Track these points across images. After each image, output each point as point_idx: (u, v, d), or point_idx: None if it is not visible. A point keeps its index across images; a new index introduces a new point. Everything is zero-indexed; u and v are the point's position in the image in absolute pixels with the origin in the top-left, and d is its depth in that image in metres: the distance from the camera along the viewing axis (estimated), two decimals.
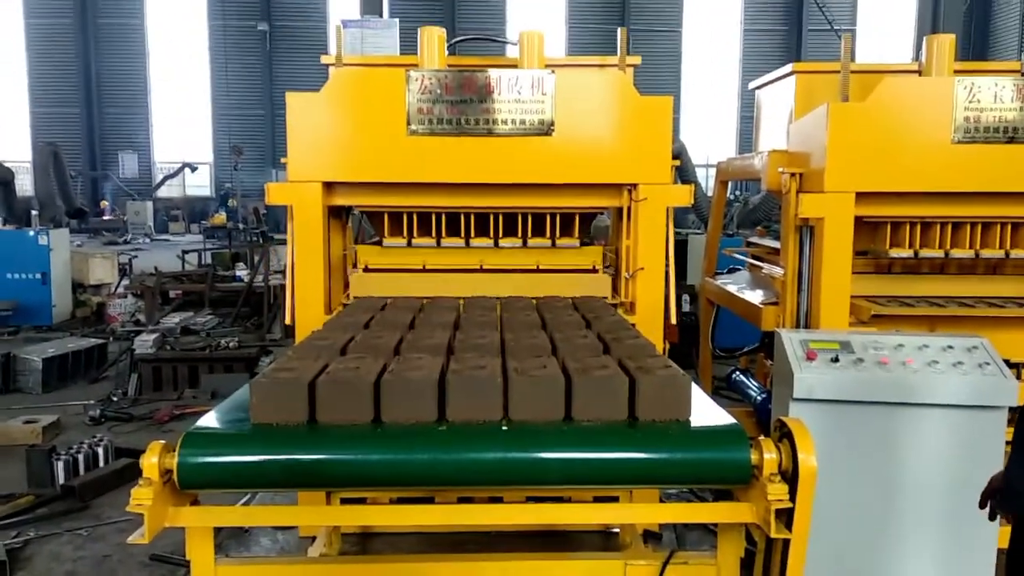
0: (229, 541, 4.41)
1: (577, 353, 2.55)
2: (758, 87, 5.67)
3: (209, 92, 32.54)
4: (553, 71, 4.05)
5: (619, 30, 4.54)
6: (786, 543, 2.13)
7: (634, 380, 2.23)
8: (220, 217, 26.67)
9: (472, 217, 4.31)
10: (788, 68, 5.02)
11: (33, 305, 10.86)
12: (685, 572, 2.43)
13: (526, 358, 2.48)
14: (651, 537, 4.19)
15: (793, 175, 4.02)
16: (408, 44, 4.48)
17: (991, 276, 4.37)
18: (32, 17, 31.50)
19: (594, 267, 4.34)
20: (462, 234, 4.33)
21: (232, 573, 2.41)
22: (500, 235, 4.34)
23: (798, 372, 3.29)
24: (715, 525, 2.46)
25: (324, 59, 4.58)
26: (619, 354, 2.55)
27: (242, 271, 12.27)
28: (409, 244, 4.34)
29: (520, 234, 4.34)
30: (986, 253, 4.11)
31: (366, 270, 4.32)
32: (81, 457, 5.38)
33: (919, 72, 4.48)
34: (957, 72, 4.29)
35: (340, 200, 4.24)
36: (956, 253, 4.11)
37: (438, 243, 4.33)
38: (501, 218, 4.33)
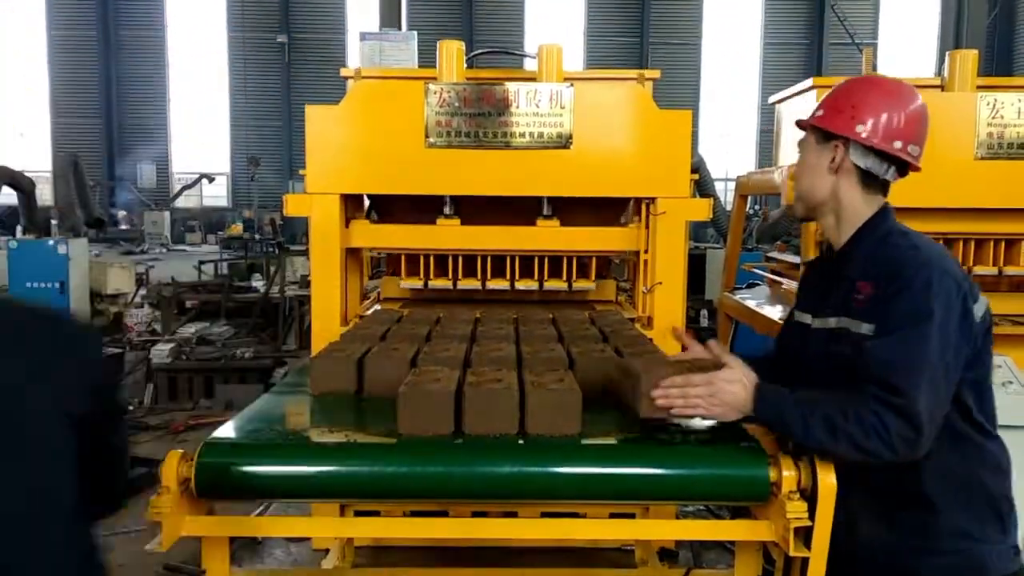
0: (242, 552, 4.41)
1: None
2: (778, 101, 5.64)
3: (227, 103, 32.82)
4: (571, 84, 4.04)
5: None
6: (805, 561, 2.09)
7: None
8: (236, 227, 26.83)
9: (488, 260, 4.31)
10: (809, 82, 4.98)
11: None
12: None
13: (543, 372, 2.47)
14: (667, 555, 4.15)
15: None
16: (426, 57, 4.48)
17: (1015, 293, 4.32)
18: (55, 29, 31.94)
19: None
20: (478, 275, 4.32)
21: None
22: (516, 277, 4.33)
23: None
24: (732, 543, 2.43)
25: (343, 72, 4.59)
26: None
27: (258, 282, 12.31)
28: (426, 286, 4.34)
29: (536, 276, 4.34)
30: (1010, 270, 4.07)
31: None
32: None
33: (942, 87, 4.44)
34: (980, 88, 4.25)
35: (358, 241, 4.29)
36: (979, 270, 4.06)
37: (454, 285, 4.32)
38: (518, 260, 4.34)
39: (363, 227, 4.27)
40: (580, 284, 4.36)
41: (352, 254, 4.43)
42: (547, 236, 4.21)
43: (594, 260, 4.41)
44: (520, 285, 4.31)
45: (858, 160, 2.11)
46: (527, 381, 2.33)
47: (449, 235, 4.20)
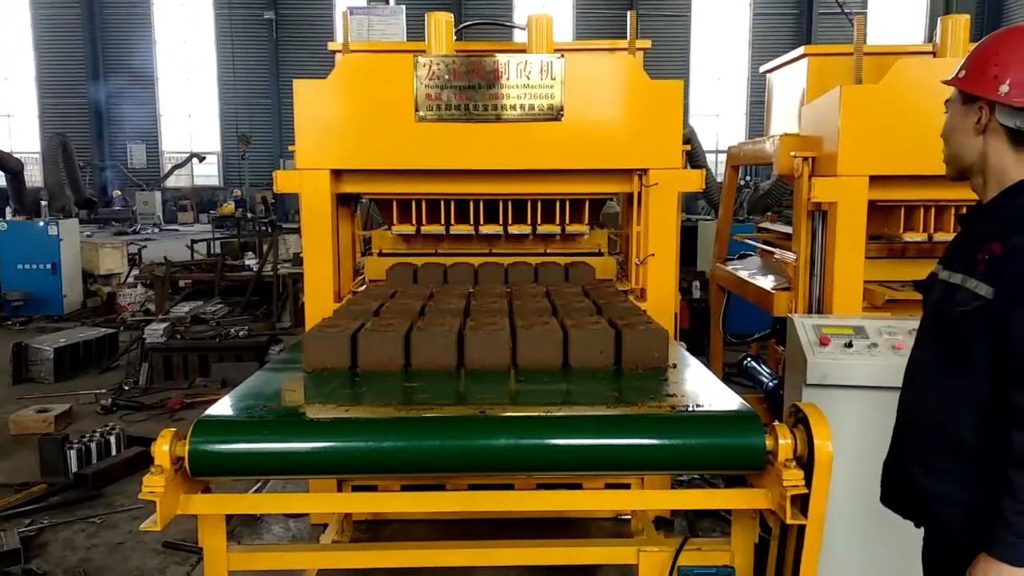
0: (242, 529, 4.43)
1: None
2: (769, 71, 5.61)
3: (216, 81, 32.52)
4: (562, 55, 4.01)
5: (628, 13, 4.50)
6: (801, 529, 2.11)
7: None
8: (228, 206, 26.67)
9: (481, 204, 4.29)
10: (800, 51, 4.95)
11: (44, 295, 10.91)
12: (699, 558, 2.41)
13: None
14: (663, 524, 4.18)
15: (805, 159, 3.97)
16: (415, 30, 4.44)
17: None
18: (39, 7, 31.50)
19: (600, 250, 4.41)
20: (471, 220, 4.30)
21: (244, 560, 2.40)
22: (509, 221, 4.31)
23: (811, 358, 3.26)
24: (728, 512, 2.44)
25: (331, 46, 4.55)
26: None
27: (251, 260, 12.27)
28: (418, 231, 4.32)
29: (529, 220, 4.31)
30: None
31: (381, 254, 4.49)
32: (93, 446, 5.40)
33: (933, 53, 4.42)
34: None
35: (348, 187, 4.23)
36: None
37: (447, 230, 4.31)
38: (510, 204, 4.30)
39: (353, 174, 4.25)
40: (573, 228, 4.39)
41: (344, 227, 4.41)
42: (541, 180, 4.21)
43: (587, 205, 4.41)
44: (513, 229, 4.38)
45: (1006, 120, 1.96)
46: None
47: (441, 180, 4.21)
